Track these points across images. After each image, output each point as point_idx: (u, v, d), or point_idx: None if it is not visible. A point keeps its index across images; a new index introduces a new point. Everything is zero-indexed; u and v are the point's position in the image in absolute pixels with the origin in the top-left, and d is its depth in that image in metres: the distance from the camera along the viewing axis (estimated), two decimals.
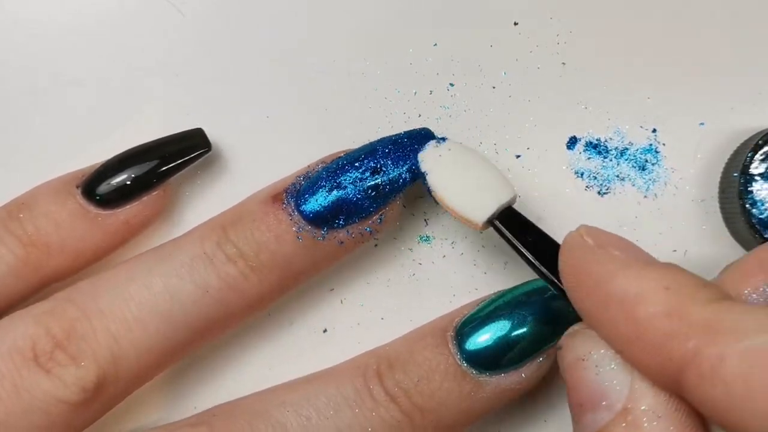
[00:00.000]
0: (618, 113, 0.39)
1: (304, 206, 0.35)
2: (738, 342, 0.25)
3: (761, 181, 0.36)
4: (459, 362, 0.34)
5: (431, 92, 0.40)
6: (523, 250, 0.33)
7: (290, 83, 0.40)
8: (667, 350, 0.26)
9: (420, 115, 0.40)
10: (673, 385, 0.26)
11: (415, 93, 0.40)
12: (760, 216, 0.36)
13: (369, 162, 0.36)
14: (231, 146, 0.40)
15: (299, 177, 0.36)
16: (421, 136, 0.36)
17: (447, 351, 0.35)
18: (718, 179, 0.39)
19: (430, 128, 0.39)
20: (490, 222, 0.34)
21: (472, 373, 0.34)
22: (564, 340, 0.31)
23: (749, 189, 0.36)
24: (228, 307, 0.35)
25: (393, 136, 0.37)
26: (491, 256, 0.39)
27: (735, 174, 0.37)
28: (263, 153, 0.40)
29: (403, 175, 0.36)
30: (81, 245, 0.37)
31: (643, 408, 0.27)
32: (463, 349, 0.35)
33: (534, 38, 0.40)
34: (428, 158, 0.35)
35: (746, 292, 0.28)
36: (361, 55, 0.40)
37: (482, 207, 0.34)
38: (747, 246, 0.38)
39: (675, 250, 0.39)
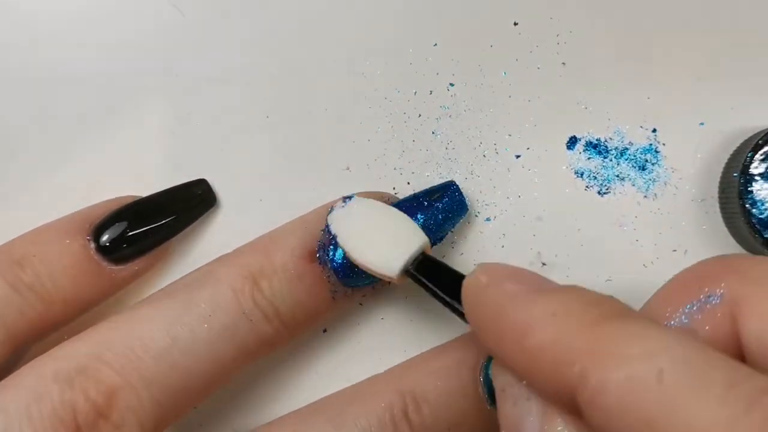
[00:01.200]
0: (618, 113, 0.39)
1: (340, 270, 0.35)
2: (618, 369, 0.24)
3: (761, 181, 0.36)
4: (489, 407, 0.34)
5: (431, 92, 0.40)
6: (441, 296, 0.33)
7: (290, 83, 0.40)
8: (558, 377, 0.25)
9: (420, 115, 0.40)
10: (576, 411, 0.26)
11: (415, 93, 0.40)
12: (760, 216, 0.36)
13: None
14: (230, 146, 0.40)
15: (331, 230, 0.36)
16: (449, 188, 0.37)
17: (477, 393, 0.34)
18: (718, 179, 0.39)
19: (430, 128, 0.39)
20: (406, 272, 0.34)
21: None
22: (490, 369, 0.31)
23: (749, 189, 0.36)
24: (256, 355, 0.35)
25: (421, 192, 0.37)
26: (491, 257, 0.39)
27: (735, 174, 0.37)
28: (262, 153, 0.40)
29: (431, 230, 0.36)
30: (93, 298, 0.37)
31: None
32: (491, 390, 0.33)
33: (534, 38, 0.40)
34: (335, 220, 0.35)
35: (668, 312, 0.28)
36: (361, 55, 0.40)
37: (393, 259, 0.34)
38: (747, 246, 0.38)
39: (675, 250, 0.39)
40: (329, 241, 0.35)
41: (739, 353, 0.27)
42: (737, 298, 0.27)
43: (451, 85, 0.40)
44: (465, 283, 0.30)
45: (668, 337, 0.24)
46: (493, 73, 0.40)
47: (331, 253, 0.35)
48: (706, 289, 0.28)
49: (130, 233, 0.37)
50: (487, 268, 0.29)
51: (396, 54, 0.40)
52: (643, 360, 0.24)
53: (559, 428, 0.27)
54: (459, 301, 0.31)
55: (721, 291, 0.27)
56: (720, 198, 0.39)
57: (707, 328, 0.27)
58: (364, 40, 0.40)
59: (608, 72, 0.39)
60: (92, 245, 0.36)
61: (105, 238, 0.37)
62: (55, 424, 0.32)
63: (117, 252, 0.37)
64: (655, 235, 0.39)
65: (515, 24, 0.40)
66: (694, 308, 0.28)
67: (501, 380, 0.29)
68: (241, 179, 0.40)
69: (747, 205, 0.36)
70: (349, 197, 0.36)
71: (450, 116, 0.40)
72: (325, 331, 0.39)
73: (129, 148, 0.40)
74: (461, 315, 0.32)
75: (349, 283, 0.36)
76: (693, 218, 0.39)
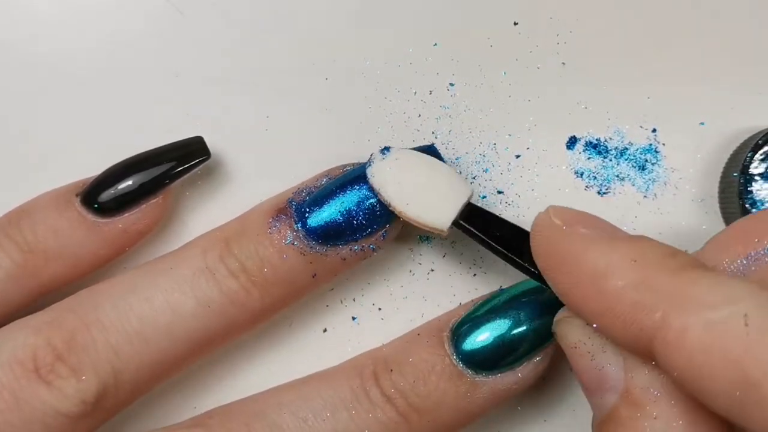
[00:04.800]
0: (618, 113, 0.39)
1: (308, 222, 0.35)
2: (702, 313, 0.25)
3: (761, 181, 0.36)
4: (455, 363, 0.34)
5: (431, 92, 0.40)
6: (493, 244, 0.34)
7: (290, 83, 0.40)
8: (637, 321, 0.26)
9: (420, 115, 0.40)
10: (648, 356, 0.27)
11: (415, 93, 0.40)
12: None
13: None
14: (231, 145, 0.40)
15: (303, 191, 0.36)
16: (428, 152, 0.36)
17: (443, 351, 0.35)
18: (718, 179, 0.39)
19: (430, 129, 0.39)
20: (455, 224, 0.34)
21: (468, 373, 0.34)
22: (555, 327, 0.31)
23: (749, 189, 0.36)
24: (229, 321, 0.35)
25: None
26: (491, 256, 0.39)
27: (735, 174, 0.37)
28: (263, 152, 0.40)
29: None
30: (79, 253, 0.36)
31: (640, 387, 0.28)
32: (459, 349, 0.35)
33: (534, 38, 0.40)
34: (377, 173, 0.35)
35: (725, 262, 0.29)
36: (361, 55, 0.40)
37: (443, 212, 0.34)
38: None
39: None
40: (301, 197, 0.35)
41: None
42: None
43: (451, 85, 0.40)
44: (537, 223, 0.30)
45: (748, 285, 0.25)
46: (493, 73, 0.40)
47: (297, 210, 0.35)
48: (765, 242, 0.29)
49: (113, 183, 0.36)
50: (559, 211, 0.30)
51: (396, 54, 0.40)
52: (726, 305, 0.25)
53: (646, 372, 0.28)
54: (511, 251, 0.33)
55: None
56: (720, 198, 0.39)
57: (762, 279, 0.28)
58: (364, 40, 0.40)
59: (608, 72, 0.39)
60: (78, 199, 0.36)
61: (89, 191, 0.36)
62: (12, 365, 0.33)
63: (99, 201, 0.36)
64: (655, 235, 0.38)
65: (515, 24, 0.40)
66: (752, 259, 0.29)
67: (572, 336, 0.30)
68: (241, 179, 0.40)
69: (747, 205, 0.36)
70: (387, 149, 0.35)
71: (450, 116, 0.40)
72: (325, 331, 0.39)
73: (128, 148, 0.40)
74: (512, 261, 0.33)
75: (317, 240, 0.35)
76: (693, 218, 0.39)
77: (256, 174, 0.40)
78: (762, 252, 0.28)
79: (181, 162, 0.37)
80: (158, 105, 0.40)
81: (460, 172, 0.39)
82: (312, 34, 0.40)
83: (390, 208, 0.35)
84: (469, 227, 0.34)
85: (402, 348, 0.35)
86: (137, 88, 0.40)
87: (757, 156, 0.36)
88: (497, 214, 0.35)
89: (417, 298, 0.39)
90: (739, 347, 0.24)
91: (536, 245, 0.30)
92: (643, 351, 0.27)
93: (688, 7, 0.39)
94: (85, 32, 0.40)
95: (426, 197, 0.34)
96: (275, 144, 0.40)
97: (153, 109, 0.40)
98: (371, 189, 0.35)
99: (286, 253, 0.35)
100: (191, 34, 0.40)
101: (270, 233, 0.35)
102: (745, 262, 0.29)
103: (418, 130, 0.40)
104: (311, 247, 0.35)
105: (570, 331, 0.30)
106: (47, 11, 0.41)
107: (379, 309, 0.39)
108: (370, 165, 0.35)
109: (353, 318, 0.39)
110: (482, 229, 0.34)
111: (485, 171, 0.39)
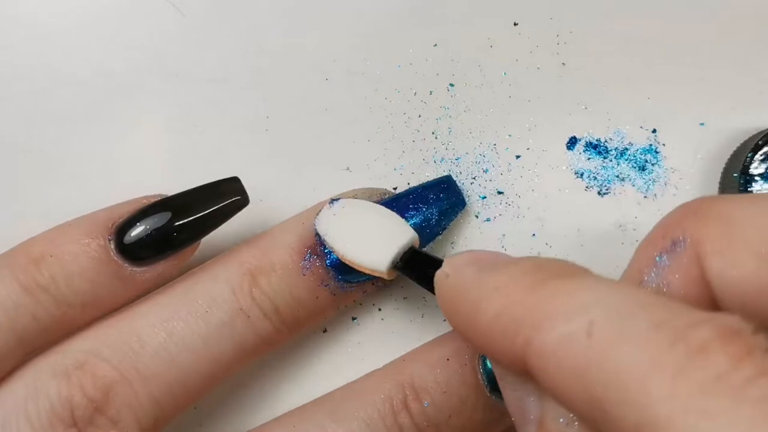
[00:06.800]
0: (618, 113, 0.39)
1: (338, 266, 0.35)
2: (553, 329, 0.23)
3: (761, 182, 0.36)
4: (489, 394, 0.34)
5: (431, 92, 0.40)
6: (427, 289, 0.32)
7: (290, 83, 0.40)
8: (511, 349, 0.25)
9: (420, 115, 0.40)
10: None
11: (415, 93, 0.40)
12: None
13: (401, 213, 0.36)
14: (230, 146, 0.40)
15: (319, 232, 0.36)
16: (446, 182, 0.38)
17: (476, 380, 0.34)
18: (718, 179, 0.39)
19: (430, 129, 0.39)
20: (395, 267, 0.34)
21: (500, 402, 0.34)
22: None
23: (749, 189, 0.36)
24: (255, 354, 0.35)
25: (418, 186, 0.37)
26: None
27: (735, 174, 0.37)
28: (262, 153, 0.40)
29: (429, 223, 0.36)
30: (115, 300, 0.35)
31: (551, 417, 0.26)
32: (490, 377, 0.34)
33: (534, 38, 0.40)
34: (322, 221, 0.35)
35: (643, 271, 0.27)
36: (361, 55, 0.40)
37: (381, 256, 0.34)
38: None
39: None
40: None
41: (710, 295, 0.26)
42: (698, 238, 0.26)
43: (451, 85, 0.40)
44: (435, 279, 0.29)
45: (601, 288, 0.24)
46: (493, 73, 0.40)
47: (328, 250, 0.35)
48: (671, 237, 0.27)
49: (154, 233, 0.34)
50: (451, 259, 0.29)
51: (396, 54, 0.40)
52: (575, 316, 0.23)
53: (556, 405, 0.26)
54: None
55: (685, 236, 0.27)
56: None
57: (677, 276, 0.27)
58: (364, 40, 0.40)
59: (608, 72, 0.39)
60: (112, 246, 0.34)
61: (126, 238, 0.34)
62: (52, 420, 0.32)
63: (138, 253, 0.34)
64: None
65: (515, 24, 0.40)
66: (664, 258, 0.27)
67: (496, 367, 0.29)
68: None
69: None
70: (336, 199, 0.36)
71: (450, 116, 0.40)
72: (325, 331, 0.39)
73: (128, 148, 0.40)
74: None
75: (347, 280, 0.36)
76: None
77: (256, 174, 0.40)
78: (669, 248, 0.27)
79: (222, 213, 0.35)
80: (158, 105, 0.40)
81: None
82: (312, 34, 0.40)
83: (334, 253, 0.35)
84: (405, 271, 0.33)
85: (432, 376, 0.35)
86: (137, 88, 0.40)
87: (757, 156, 0.36)
88: (439, 257, 0.32)
89: (417, 298, 0.39)
90: (583, 361, 0.22)
91: (438, 297, 0.29)
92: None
93: (688, 7, 0.39)
94: (85, 32, 0.40)
95: (366, 241, 0.34)
96: (275, 144, 0.40)
97: (153, 109, 0.40)
98: (317, 236, 0.35)
99: (318, 294, 0.35)
100: (191, 34, 0.40)
101: (303, 275, 0.35)
102: (659, 262, 0.27)
103: (418, 131, 0.40)
104: (343, 288, 0.36)
105: (493, 367, 0.29)
106: (47, 12, 0.41)
107: (379, 309, 0.39)
108: (317, 215, 0.36)
109: (353, 318, 0.39)
110: (421, 273, 0.33)
111: (485, 171, 0.39)
